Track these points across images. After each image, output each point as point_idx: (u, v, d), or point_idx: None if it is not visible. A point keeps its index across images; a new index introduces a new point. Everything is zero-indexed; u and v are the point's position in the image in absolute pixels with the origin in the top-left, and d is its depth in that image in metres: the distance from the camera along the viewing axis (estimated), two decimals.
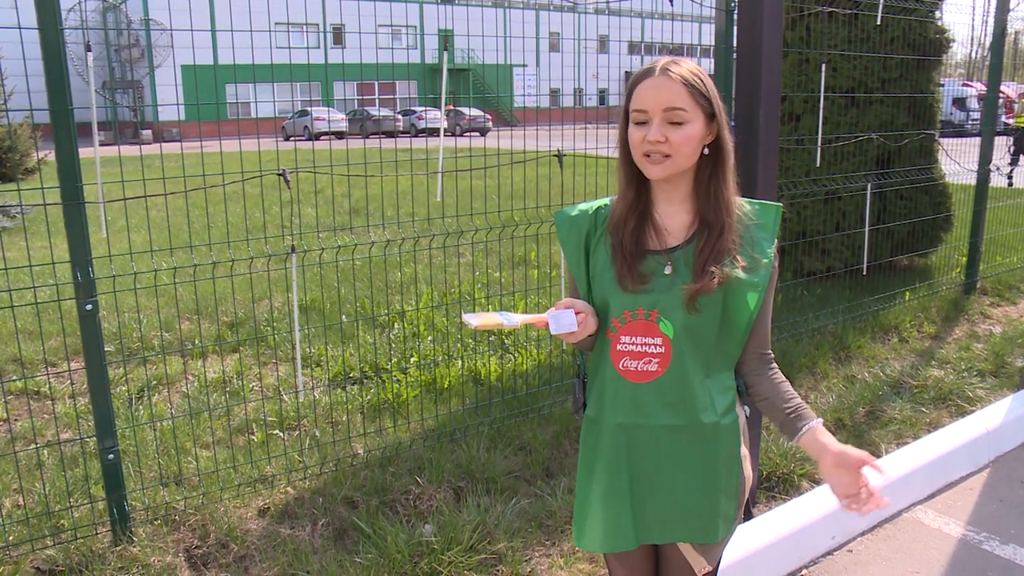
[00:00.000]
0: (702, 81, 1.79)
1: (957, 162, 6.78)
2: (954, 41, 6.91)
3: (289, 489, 3.50)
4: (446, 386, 4.46)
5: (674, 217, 1.88)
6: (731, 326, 1.85)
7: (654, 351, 1.85)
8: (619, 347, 1.87)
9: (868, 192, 5.81)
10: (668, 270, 1.83)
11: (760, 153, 3.15)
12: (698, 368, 1.85)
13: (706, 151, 1.82)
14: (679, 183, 1.85)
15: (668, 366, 1.84)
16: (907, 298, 6.15)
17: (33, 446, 3.84)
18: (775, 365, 1.94)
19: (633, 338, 1.85)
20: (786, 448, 3.81)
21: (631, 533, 1.94)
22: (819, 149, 5.90)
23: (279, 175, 3.49)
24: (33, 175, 14.90)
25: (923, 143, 6.66)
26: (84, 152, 2.97)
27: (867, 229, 5.89)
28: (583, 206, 1.97)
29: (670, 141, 1.76)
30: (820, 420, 1.86)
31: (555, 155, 4.15)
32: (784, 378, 1.93)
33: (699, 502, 1.90)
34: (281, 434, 4.02)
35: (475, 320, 1.79)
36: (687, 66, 1.79)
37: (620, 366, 1.88)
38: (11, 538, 3.14)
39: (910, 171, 6.37)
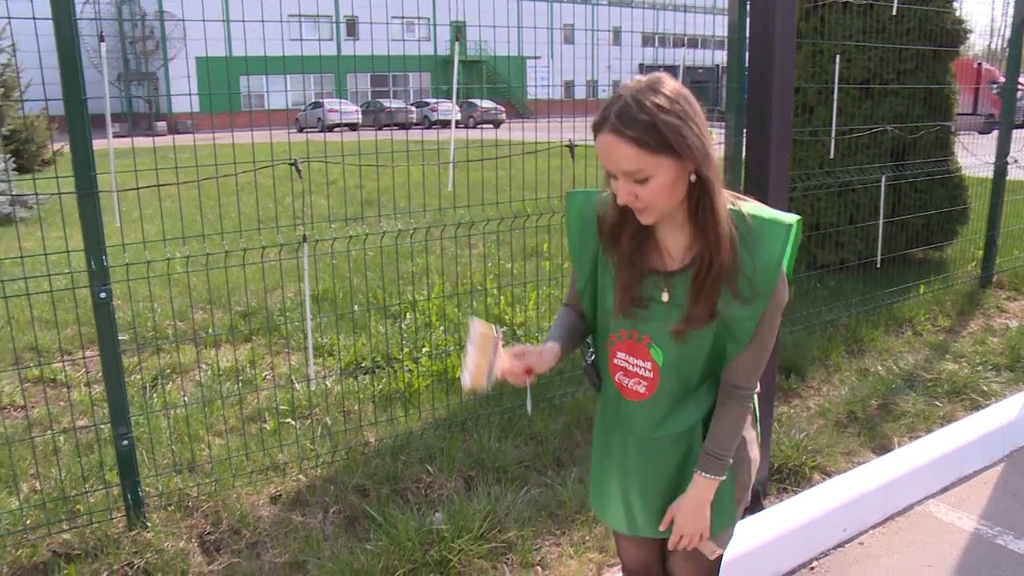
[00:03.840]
0: (657, 128, 1.59)
1: (974, 155, 6.72)
2: (972, 32, 6.84)
3: (301, 477, 3.52)
4: (457, 376, 4.47)
5: (673, 238, 1.80)
6: (722, 355, 1.83)
7: (643, 374, 1.88)
8: (616, 361, 1.92)
9: (882, 184, 5.77)
10: (665, 297, 1.80)
11: (773, 145, 3.14)
12: (687, 387, 1.87)
13: (693, 178, 1.67)
14: (674, 212, 1.76)
15: (655, 390, 1.87)
16: (922, 291, 6.11)
17: (49, 432, 3.88)
18: (745, 403, 1.86)
19: (628, 357, 1.89)
20: (797, 440, 3.80)
21: (634, 521, 2.00)
22: (833, 141, 5.87)
23: (291, 164, 3.50)
24: (50, 166, 15.01)
25: (939, 135, 6.61)
26: (99, 144, 2.99)
27: (881, 221, 5.85)
28: (597, 197, 1.92)
29: (640, 197, 1.67)
30: (711, 476, 1.86)
31: (567, 146, 4.14)
32: (736, 420, 1.85)
33: None
34: (293, 422, 4.04)
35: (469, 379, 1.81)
36: (644, 109, 1.59)
37: (616, 379, 1.93)
38: (28, 522, 3.17)
39: (926, 163, 6.33)
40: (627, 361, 1.89)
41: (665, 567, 2.14)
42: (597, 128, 1.65)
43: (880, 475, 3.62)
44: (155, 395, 4.38)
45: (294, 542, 3.08)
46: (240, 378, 4.60)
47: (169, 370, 4.72)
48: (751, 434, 1.99)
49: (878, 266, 6.08)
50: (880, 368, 4.82)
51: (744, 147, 3.30)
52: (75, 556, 3.02)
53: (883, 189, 5.78)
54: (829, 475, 3.66)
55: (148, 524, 3.16)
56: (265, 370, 4.76)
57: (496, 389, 4.30)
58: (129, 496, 3.18)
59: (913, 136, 6.40)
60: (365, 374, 4.63)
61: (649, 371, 1.86)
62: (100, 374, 3.20)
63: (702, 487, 1.88)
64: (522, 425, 3.90)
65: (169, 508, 3.29)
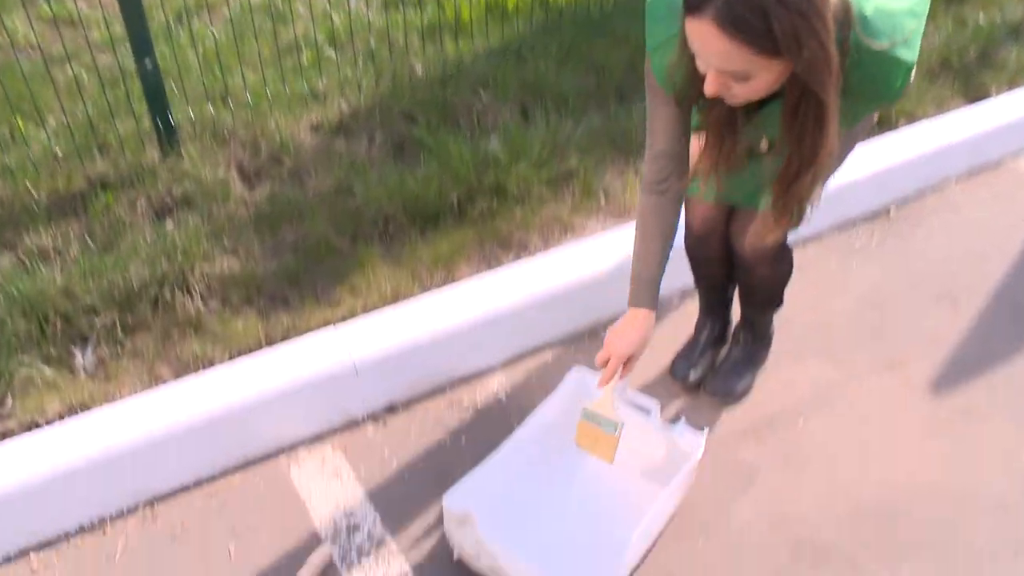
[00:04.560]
0: (772, 31, 1.22)
1: None
2: None
3: (343, 106, 3.26)
4: (511, 7, 4.03)
5: None
6: None
7: None
8: None
9: None
10: (764, 146, 1.67)
11: None
12: None
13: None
14: None
15: None
16: None
17: (69, 68, 3.59)
18: None
19: None
20: None
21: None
22: None
23: None
24: None
25: None
26: None
27: None
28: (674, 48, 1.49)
29: (733, 90, 1.38)
30: None
31: None
32: None
33: None
34: (332, 52, 3.70)
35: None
36: (758, 2, 1.21)
37: None
38: (59, 151, 3.00)
39: None
40: None
41: (728, 233, 2.05)
42: (693, 9, 1.27)
43: (971, 124, 3.31)
44: (181, 31, 4.03)
45: (338, 168, 2.89)
46: (272, 13, 4.20)
47: (194, 5, 4.31)
48: None
49: None
50: (982, 17, 4.29)
51: None
52: (111, 184, 2.87)
53: None
54: (912, 121, 3.33)
55: (183, 154, 2.97)
56: (299, 5, 4.33)
57: (555, 20, 3.88)
58: (160, 124, 2.98)
59: None
60: (409, 7, 4.19)
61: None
62: (117, 9, 2.84)
63: None
64: (582, 55, 3.53)
65: (203, 137, 3.08)
